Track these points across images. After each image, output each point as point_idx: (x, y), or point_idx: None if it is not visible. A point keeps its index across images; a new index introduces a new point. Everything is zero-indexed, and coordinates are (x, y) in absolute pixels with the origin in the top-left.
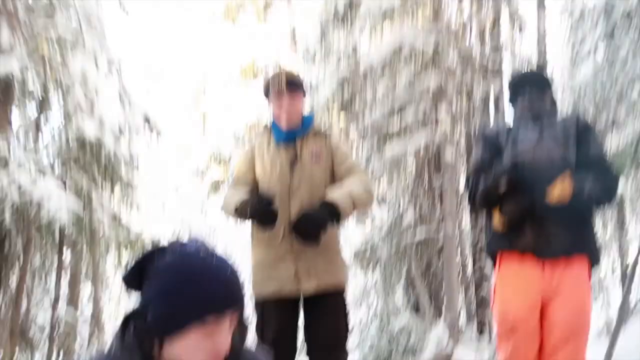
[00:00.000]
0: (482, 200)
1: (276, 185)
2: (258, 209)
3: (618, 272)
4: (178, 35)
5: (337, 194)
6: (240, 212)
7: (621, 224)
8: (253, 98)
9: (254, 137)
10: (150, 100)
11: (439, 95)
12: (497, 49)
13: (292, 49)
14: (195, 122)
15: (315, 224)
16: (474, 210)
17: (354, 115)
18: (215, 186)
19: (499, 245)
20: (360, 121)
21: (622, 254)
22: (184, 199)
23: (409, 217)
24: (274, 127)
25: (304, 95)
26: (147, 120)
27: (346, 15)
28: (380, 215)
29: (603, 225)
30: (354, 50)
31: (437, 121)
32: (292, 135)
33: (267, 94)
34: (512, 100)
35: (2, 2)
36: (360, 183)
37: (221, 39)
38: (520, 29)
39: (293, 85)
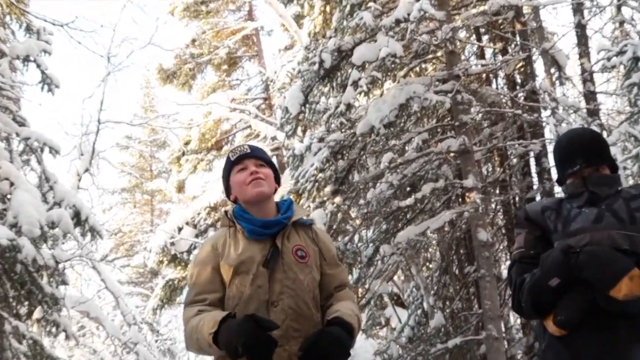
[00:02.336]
0: (530, 298)
1: (251, 296)
2: (254, 339)
3: None
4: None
5: (345, 310)
6: (226, 345)
7: None
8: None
9: (216, 234)
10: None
11: (462, 158)
12: (533, 94)
13: (267, 113)
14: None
15: (343, 348)
16: (520, 313)
17: (352, 190)
18: (170, 291)
19: (556, 357)
20: (361, 197)
21: None
22: (128, 315)
23: (437, 317)
24: (242, 217)
25: (276, 177)
26: (77, 216)
27: (335, 67)
28: (397, 317)
29: None
30: (348, 108)
31: (463, 192)
32: (270, 227)
33: (228, 174)
34: (561, 173)
35: None
36: (355, 306)
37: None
38: (560, 69)
39: (260, 158)
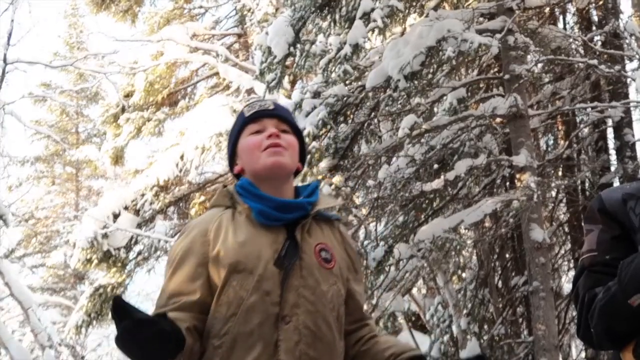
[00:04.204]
0: (603, 321)
1: (254, 305)
2: (134, 333)
3: None
4: None
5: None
6: (120, 340)
7: None
8: None
9: (207, 215)
10: None
11: (513, 125)
12: (615, 38)
13: (241, 55)
14: None
15: None
16: (587, 341)
17: (357, 166)
18: (100, 302)
19: None
20: (369, 177)
21: None
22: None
23: (471, 345)
24: (250, 193)
25: (301, 152)
26: None
27: None
28: (415, 345)
29: None
30: (355, 50)
31: (512, 173)
32: (288, 210)
33: (236, 135)
34: None
35: None
36: None
37: None
38: None
39: (285, 120)
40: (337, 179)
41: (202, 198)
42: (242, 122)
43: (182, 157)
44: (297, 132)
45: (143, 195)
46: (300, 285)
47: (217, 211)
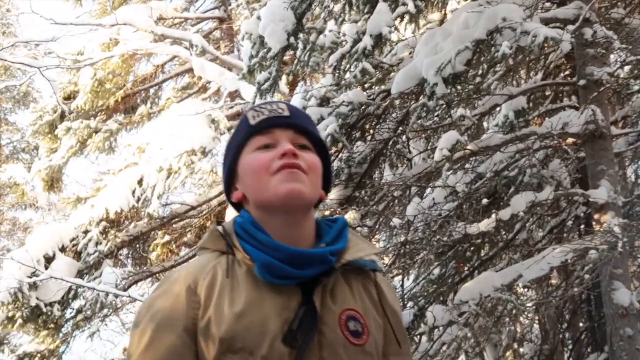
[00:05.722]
0: None
1: None
2: None
3: None
4: None
5: None
6: None
7: None
8: None
9: (197, 264)
10: None
11: (590, 148)
12: None
13: (223, 46)
14: None
15: None
16: None
17: (378, 198)
18: None
19: None
20: (395, 214)
21: None
22: None
23: None
24: (252, 238)
25: (325, 176)
26: None
27: None
28: None
29: None
30: (377, 43)
31: (589, 212)
32: (305, 263)
33: (236, 150)
34: None
35: None
36: None
37: None
38: None
39: (304, 131)
40: (351, 215)
41: (167, 238)
42: (246, 133)
43: (140, 182)
44: (320, 148)
45: (86, 232)
46: None
47: (210, 258)
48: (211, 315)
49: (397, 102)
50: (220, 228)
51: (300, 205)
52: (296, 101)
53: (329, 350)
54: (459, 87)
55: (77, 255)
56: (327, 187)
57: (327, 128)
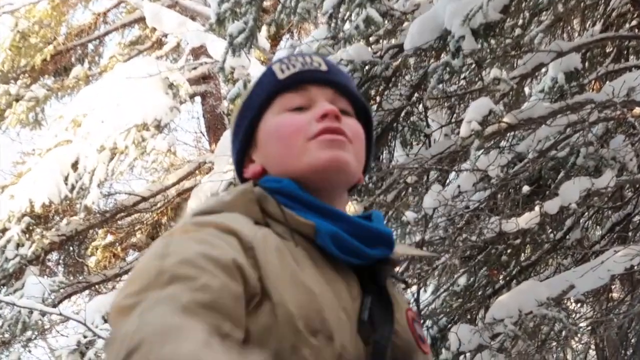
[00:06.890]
0: None
1: None
2: None
3: None
4: None
5: None
6: None
7: None
8: None
9: (239, 218)
10: None
11: None
12: None
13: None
14: None
15: None
16: None
17: (387, 186)
18: None
19: None
20: (409, 205)
21: None
22: None
23: None
24: (306, 209)
25: (367, 148)
26: None
27: None
28: None
29: None
30: None
31: None
32: (374, 241)
33: (259, 110)
34: None
35: None
36: None
37: None
38: None
39: (346, 90)
40: (352, 208)
41: (110, 238)
42: (272, 89)
43: (75, 166)
44: (365, 112)
45: (4, 231)
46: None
47: (250, 221)
48: (276, 280)
49: (411, 60)
50: (257, 190)
51: (342, 180)
52: None
53: (402, 353)
54: (492, 42)
55: None
56: (367, 163)
57: None
